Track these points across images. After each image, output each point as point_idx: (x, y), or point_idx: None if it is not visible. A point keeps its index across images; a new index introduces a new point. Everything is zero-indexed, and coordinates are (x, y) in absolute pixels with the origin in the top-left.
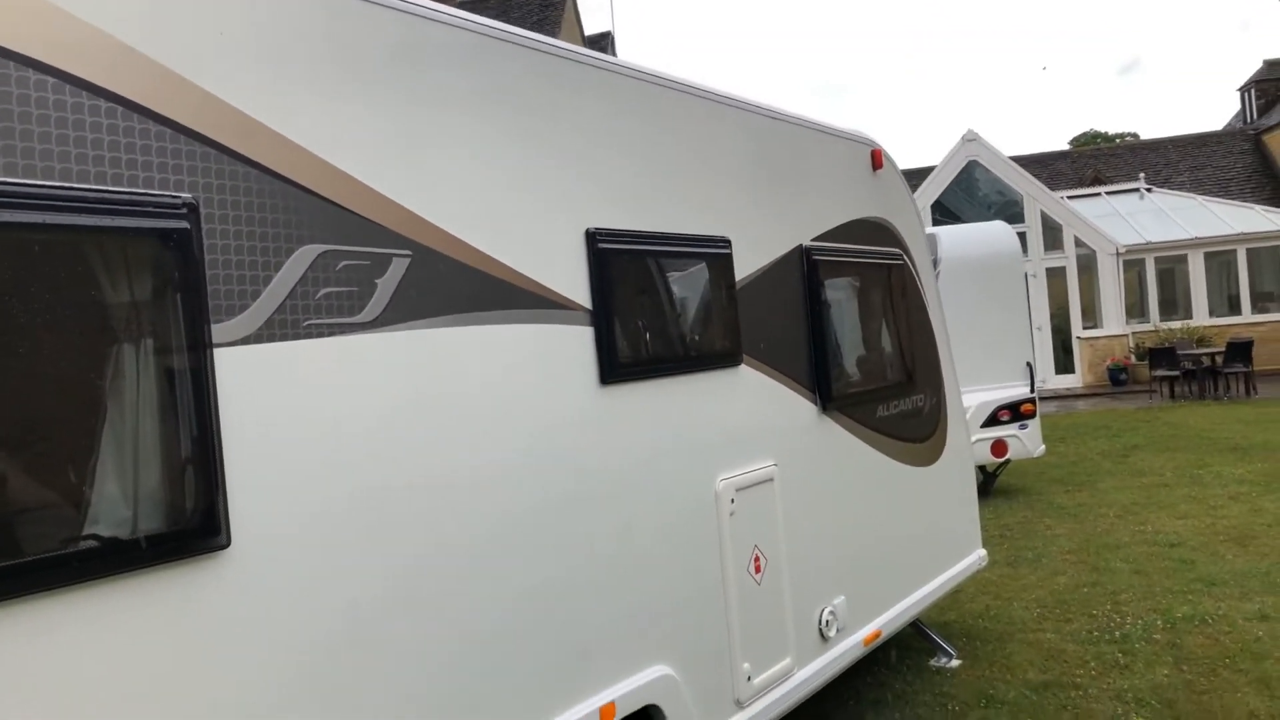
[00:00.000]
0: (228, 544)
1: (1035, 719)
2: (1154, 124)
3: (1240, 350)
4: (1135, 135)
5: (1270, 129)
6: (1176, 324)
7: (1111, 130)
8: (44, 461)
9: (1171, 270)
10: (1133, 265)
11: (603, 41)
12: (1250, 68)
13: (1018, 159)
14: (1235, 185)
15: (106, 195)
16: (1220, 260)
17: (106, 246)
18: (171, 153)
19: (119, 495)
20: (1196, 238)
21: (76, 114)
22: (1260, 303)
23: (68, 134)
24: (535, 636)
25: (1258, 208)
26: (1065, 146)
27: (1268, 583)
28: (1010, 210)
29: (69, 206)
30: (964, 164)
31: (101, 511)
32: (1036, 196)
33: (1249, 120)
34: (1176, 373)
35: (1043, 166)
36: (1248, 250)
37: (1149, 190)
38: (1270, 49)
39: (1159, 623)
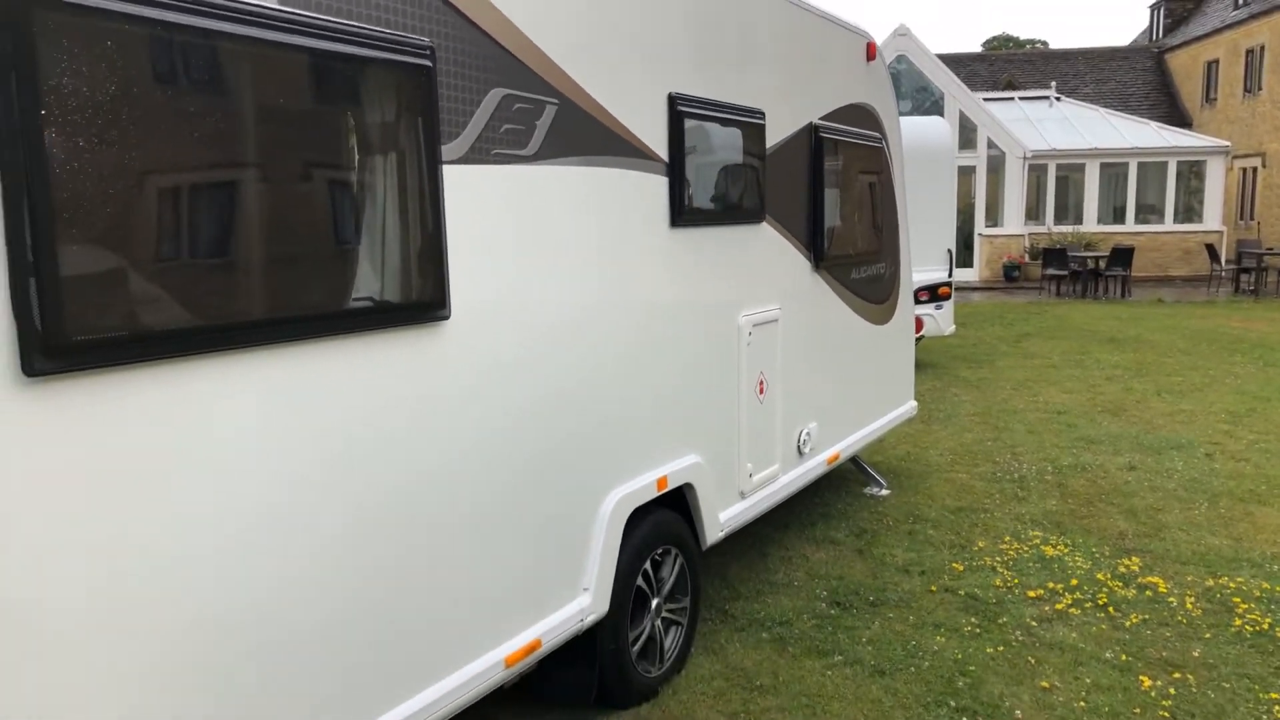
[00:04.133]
0: (449, 316)
1: (954, 531)
2: (1063, 33)
3: (1122, 256)
4: (1044, 43)
5: (1173, 49)
6: (1068, 228)
7: (1023, 36)
8: (327, 242)
9: (1068, 177)
10: (1035, 170)
11: None
12: None
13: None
14: (1135, 100)
15: (374, 33)
16: (1113, 172)
17: (377, 73)
18: (417, 3)
19: (381, 271)
20: (1095, 148)
21: None
22: (1143, 214)
23: None
24: (616, 422)
25: (1153, 124)
26: (978, 49)
27: (1136, 443)
28: (929, 108)
29: (349, 39)
30: (892, 58)
31: (367, 283)
32: (957, 96)
33: (1155, 38)
34: (1064, 273)
35: (961, 66)
36: (1139, 164)
37: (1058, 99)
38: None
39: (1049, 468)
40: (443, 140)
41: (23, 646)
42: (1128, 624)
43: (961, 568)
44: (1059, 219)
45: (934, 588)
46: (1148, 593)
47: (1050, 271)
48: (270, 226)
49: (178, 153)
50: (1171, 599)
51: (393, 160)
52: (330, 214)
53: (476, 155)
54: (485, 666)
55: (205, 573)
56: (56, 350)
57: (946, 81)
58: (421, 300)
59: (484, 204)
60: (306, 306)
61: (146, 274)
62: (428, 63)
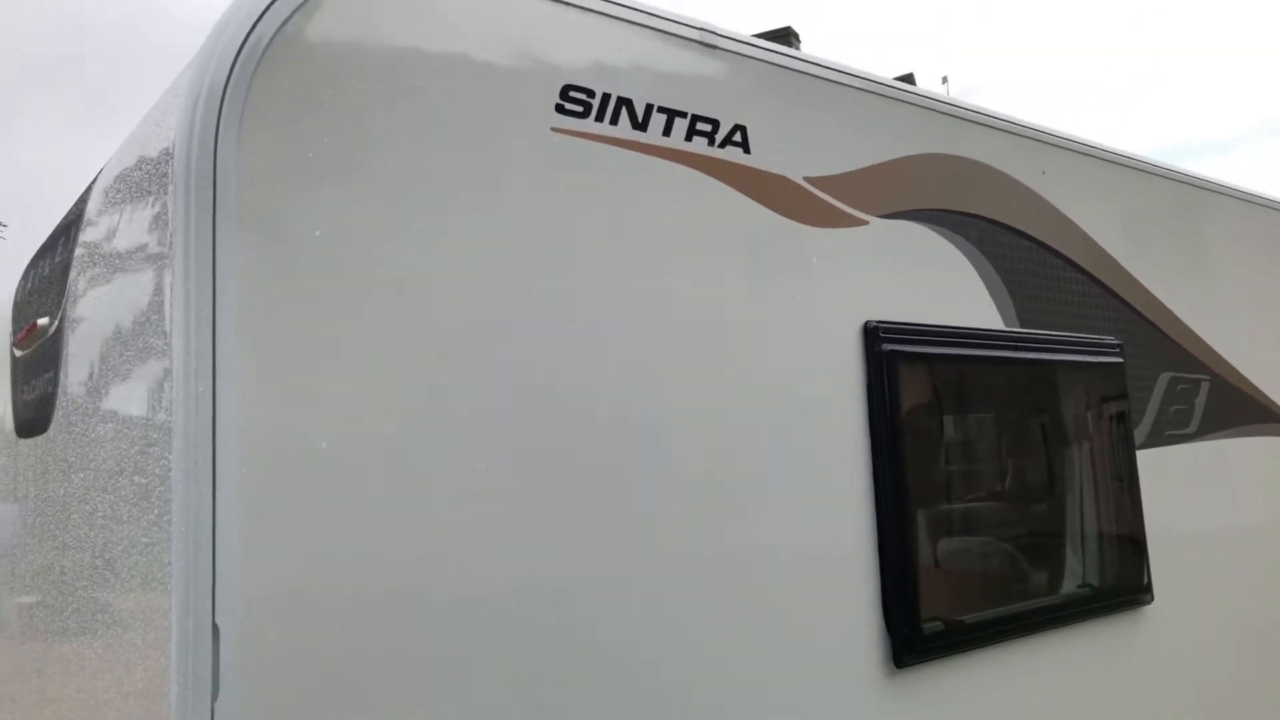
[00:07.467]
0: (1152, 600)
1: None
2: None
3: None
4: None
5: None
6: None
7: None
8: (1051, 532)
9: None
10: None
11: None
12: None
13: None
14: None
15: (1084, 340)
16: None
17: (1082, 376)
18: (1104, 307)
19: (1094, 557)
20: None
21: (1064, 281)
22: None
23: (1065, 297)
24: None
25: None
26: None
27: None
28: None
29: (1065, 347)
30: None
31: (1083, 569)
32: None
33: None
34: None
35: None
36: None
37: None
38: None
39: None
40: (1132, 426)
41: None
42: None
43: None
44: None
45: None
46: None
47: None
48: (1037, 526)
49: (976, 474)
50: None
51: (1104, 452)
52: (1070, 507)
53: (1154, 439)
54: None
55: None
56: (915, 646)
57: None
58: (1129, 585)
59: (1163, 487)
60: (1054, 596)
61: (957, 580)
62: (1119, 359)
